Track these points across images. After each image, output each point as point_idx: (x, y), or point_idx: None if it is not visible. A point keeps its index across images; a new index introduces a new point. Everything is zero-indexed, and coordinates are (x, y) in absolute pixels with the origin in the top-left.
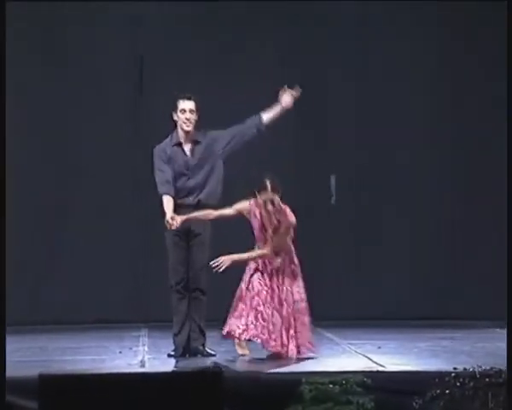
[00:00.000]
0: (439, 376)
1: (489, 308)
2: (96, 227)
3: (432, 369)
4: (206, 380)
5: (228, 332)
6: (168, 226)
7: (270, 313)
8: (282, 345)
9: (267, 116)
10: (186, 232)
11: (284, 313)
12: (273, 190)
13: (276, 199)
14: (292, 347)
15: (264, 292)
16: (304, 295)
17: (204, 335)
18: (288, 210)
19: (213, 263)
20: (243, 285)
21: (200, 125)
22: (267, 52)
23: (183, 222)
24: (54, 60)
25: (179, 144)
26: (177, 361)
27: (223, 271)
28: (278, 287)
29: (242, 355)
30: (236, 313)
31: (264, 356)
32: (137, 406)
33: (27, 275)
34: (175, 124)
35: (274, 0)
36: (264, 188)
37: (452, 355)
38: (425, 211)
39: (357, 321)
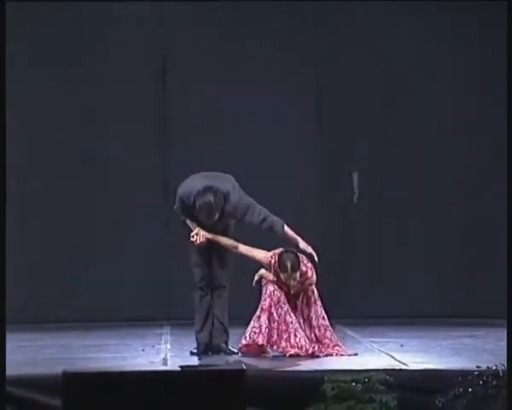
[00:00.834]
0: (462, 374)
1: None
2: (119, 226)
3: (454, 367)
4: (229, 378)
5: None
6: (194, 241)
7: (283, 313)
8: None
9: (287, 233)
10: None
11: (300, 315)
12: (293, 269)
13: (297, 276)
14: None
15: (278, 294)
16: (324, 316)
17: (227, 332)
18: (309, 272)
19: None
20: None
21: (219, 123)
22: (289, 53)
23: (207, 240)
24: (80, 60)
25: None
26: (199, 359)
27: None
28: (296, 304)
29: (264, 354)
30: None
31: (286, 354)
32: (159, 404)
33: (52, 274)
34: None
35: (297, 0)
36: (285, 270)
37: (475, 354)
38: (446, 210)
39: (380, 319)
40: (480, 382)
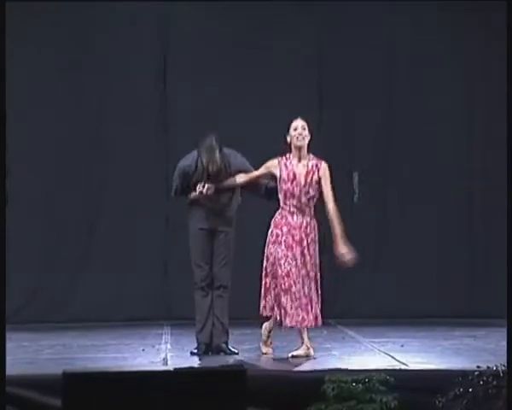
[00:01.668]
0: (462, 374)
1: None
2: (119, 225)
3: (455, 367)
4: (230, 378)
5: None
6: (200, 193)
7: (288, 283)
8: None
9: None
10: (212, 230)
11: (313, 281)
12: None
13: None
14: (310, 317)
15: (284, 262)
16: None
17: (227, 333)
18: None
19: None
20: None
21: (222, 122)
22: (292, 51)
23: (214, 192)
24: (81, 59)
25: None
26: (199, 359)
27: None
28: (309, 256)
29: (265, 354)
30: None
31: (287, 355)
32: (159, 404)
33: (53, 274)
34: None
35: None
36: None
37: (475, 354)
38: (449, 210)
39: (380, 319)
40: (481, 382)
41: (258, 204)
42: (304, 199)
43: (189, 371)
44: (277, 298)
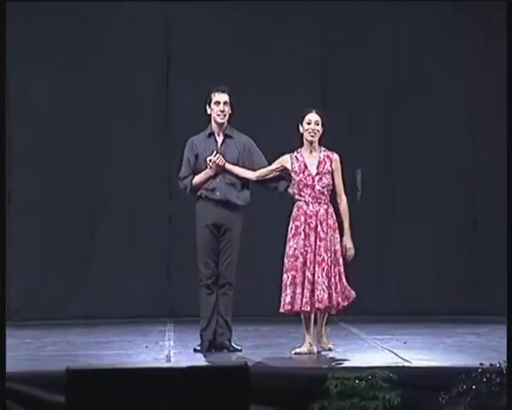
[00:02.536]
0: (466, 371)
1: None
2: (123, 224)
3: (458, 364)
4: (233, 375)
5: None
6: (211, 164)
7: (309, 272)
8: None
9: (290, 191)
10: (217, 227)
11: (324, 265)
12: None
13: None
14: (326, 298)
15: (303, 251)
16: (338, 246)
17: (230, 330)
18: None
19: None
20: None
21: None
22: (295, 51)
23: (223, 169)
24: (84, 59)
25: (211, 134)
26: (203, 356)
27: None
28: (320, 240)
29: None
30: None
31: (290, 352)
32: (162, 400)
33: (56, 271)
34: (209, 118)
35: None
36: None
37: (478, 351)
38: (450, 207)
39: (383, 316)
40: (484, 379)
41: (260, 204)
42: (318, 187)
43: (193, 368)
44: (296, 287)
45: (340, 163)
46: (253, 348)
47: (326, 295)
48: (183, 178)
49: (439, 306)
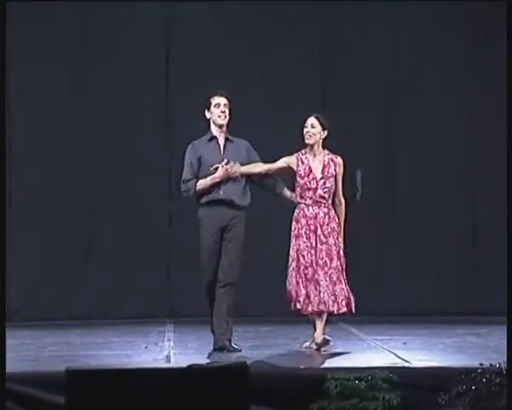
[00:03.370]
0: (465, 372)
1: None
2: (123, 224)
3: (458, 365)
4: (232, 376)
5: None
6: (228, 172)
7: (311, 272)
8: (321, 303)
9: (286, 193)
10: (222, 229)
11: (326, 269)
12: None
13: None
14: (330, 302)
15: (306, 253)
16: (342, 253)
17: (231, 330)
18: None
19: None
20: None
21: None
22: (295, 50)
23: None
24: (84, 58)
25: (213, 138)
26: (202, 356)
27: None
28: (321, 243)
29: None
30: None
31: (289, 352)
32: (162, 401)
33: (56, 271)
34: (208, 123)
35: (302, 0)
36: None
37: (478, 351)
38: (450, 208)
39: (383, 317)
40: (484, 379)
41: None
42: (320, 192)
43: (192, 368)
44: (301, 288)
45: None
46: (253, 348)
47: (327, 299)
48: (186, 180)
49: (439, 306)
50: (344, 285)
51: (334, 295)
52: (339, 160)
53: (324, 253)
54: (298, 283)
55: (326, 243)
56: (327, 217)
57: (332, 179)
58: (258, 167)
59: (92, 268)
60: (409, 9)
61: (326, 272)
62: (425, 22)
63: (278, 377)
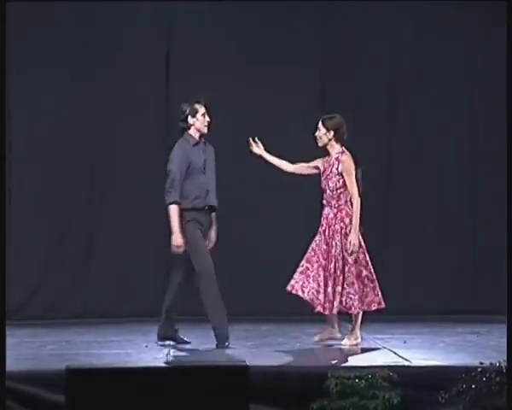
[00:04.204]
0: (466, 371)
1: None
2: (123, 224)
3: (458, 364)
4: (232, 375)
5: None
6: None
7: (315, 269)
8: (326, 302)
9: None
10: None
11: (331, 268)
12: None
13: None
14: (336, 304)
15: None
16: (347, 256)
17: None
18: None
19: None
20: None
21: (223, 122)
22: (294, 50)
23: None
24: (84, 59)
25: (197, 143)
26: (202, 356)
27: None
28: (327, 244)
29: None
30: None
31: (288, 351)
32: (162, 400)
33: (56, 270)
34: (188, 128)
35: (301, 0)
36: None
37: (478, 350)
38: (450, 207)
39: (383, 316)
40: (484, 378)
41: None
42: (328, 192)
43: (192, 368)
44: (309, 279)
45: (354, 161)
46: (253, 347)
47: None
48: (176, 189)
49: (439, 306)
50: (343, 288)
51: (332, 296)
52: (342, 157)
53: (327, 254)
54: (307, 275)
55: (327, 244)
56: (335, 219)
57: (335, 179)
58: (287, 166)
59: (92, 268)
60: (409, 9)
61: (330, 274)
62: (425, 22)
63: (278, 376)
